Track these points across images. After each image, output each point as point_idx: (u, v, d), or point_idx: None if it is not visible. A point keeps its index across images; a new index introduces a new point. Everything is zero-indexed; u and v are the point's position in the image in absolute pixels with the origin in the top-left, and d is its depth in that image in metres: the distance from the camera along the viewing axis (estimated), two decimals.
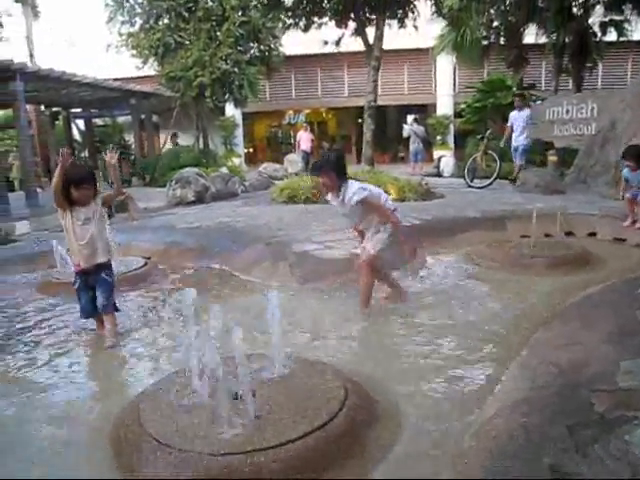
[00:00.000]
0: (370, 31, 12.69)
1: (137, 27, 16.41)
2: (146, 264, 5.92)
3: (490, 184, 11.47)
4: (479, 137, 12.12)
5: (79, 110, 19.98)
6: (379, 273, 4.47)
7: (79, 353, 3.96)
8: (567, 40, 14.94)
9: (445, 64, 21.98)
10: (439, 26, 16.50)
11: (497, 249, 5.95)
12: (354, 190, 4.18)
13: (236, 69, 15.88)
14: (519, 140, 11.70)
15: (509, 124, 11.97)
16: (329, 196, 4.44)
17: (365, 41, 12.72)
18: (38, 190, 13.71)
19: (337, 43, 13.89)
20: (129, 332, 4.25)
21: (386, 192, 8.89)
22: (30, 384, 3.45)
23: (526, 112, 11.78)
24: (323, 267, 5.39)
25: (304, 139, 18.70)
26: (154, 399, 2.94)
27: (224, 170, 12.99)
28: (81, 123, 21.61)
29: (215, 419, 2.61)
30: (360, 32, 12.72)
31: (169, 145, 18.60)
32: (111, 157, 4.14)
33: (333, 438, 2.53)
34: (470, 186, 11.82)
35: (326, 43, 14.17)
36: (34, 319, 4.61)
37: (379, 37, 12.35)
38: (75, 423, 2.99)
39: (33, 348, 4.00)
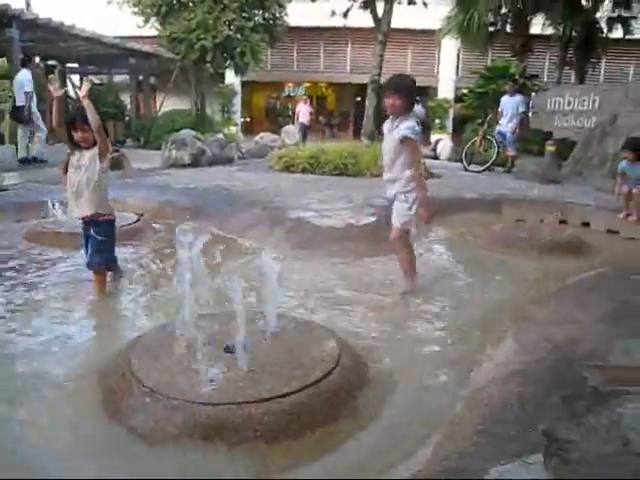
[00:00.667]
0: (379, 5, 12.52)
1: None
2: (139, 220, 5.85)
3: (487, 169, 11.47)
4: (479, 122, 12.09)
5: (75, 65, 19.63)
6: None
7: (67, 301, 3.92)
8: (573, 33, 14.88)
9: (449, 48, 21.82)
10: (446, 8, 16.34)
11: (492, 231, 5.96)
12: (409, 125, 3.91)
13: (239, 35, 15.65)
14: (507, 127, 11.69)
15: (499, 109, 11.96)
16: (385, 124, 4.18)
17: (374, 14, 12.55)
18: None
19: (345, 15, 13.69)
20: (123, 284, 4.21)
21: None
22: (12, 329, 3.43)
23: (517, 98, 11.75)
24: (318, 234, 5.38)
25: (303, 111, 18.57)
26: (145, 347, 2.92)
27: (220, 137, 12.88)
28: (76, 79, 21.26)
29: (207, 370, 2.59)
30: (370, 4, 12.54)
31: (166, 107, 18.38)
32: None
33: (326, 395, 2.54)
34: (467, 170, 11.80)
35: (333, 14, 13.96)
36: (19, 265, 4.56)
37: (388, 11, 12.19)
38: (63, 367, 2.98)
39: (18, 292, 3.96)
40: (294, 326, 3.14)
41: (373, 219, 5.89)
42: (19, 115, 11.01)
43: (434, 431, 2.34)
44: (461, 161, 12.32)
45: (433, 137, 20.28)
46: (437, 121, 22.40)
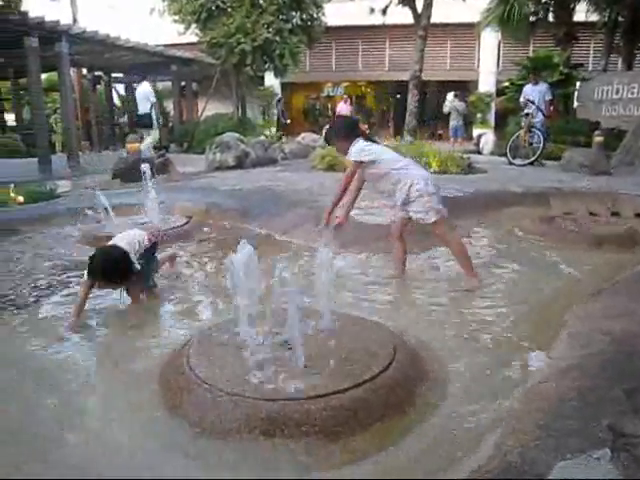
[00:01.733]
0: (418, 0, 12.47)
1: None
2: (188, 222, 5.97)
3: (533, 162, 11.25)
4: (524, 114, 11.87)
5: (120, 75, 20.11)
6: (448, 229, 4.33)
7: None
8: (620, 18, 14.46)
9: (489, 40, 21.48)
10: (485, 0, 16.11)
11: (541, 224, 5.85)
12: (354, 149, 4.10)
13: (278, 38, 15.75)
14: (535, 118, 11.44)
15: (522, 99, 11.70)
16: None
17: (413, 9, 12.48)
18: (79, 153, 13.93)
19: (384, 11, 13.65)
20: (179, 284, 4.31)
21: (427, 164, 8.93)
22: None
23: (542, 87, 11.48)
24: (366, 232, 5.38)
25: (343, 111, 18.55)
26: (203, 344, 2.98)
27: (263, 138, 13.01)
28: (121, 88, 21.80)
29: (264, 366, 2.64)
30: (409, 0, 12.49)
31: (207, 112, 18.66)
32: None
33: (383, 391, 2.54)
34: (511, 163, 11.60)
35: (372, 11, 13.95)
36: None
37: (428, 4, 12.10)
38: (124, 365, 3.06)
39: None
40: (349, 322, 3.16)
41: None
42: (144, 121, 12.89)
43: (493, 426, 2.32)
44: (505, 155, 12.12)
45: (475, 131, 20.01)
46: (479, 115, 22.09)
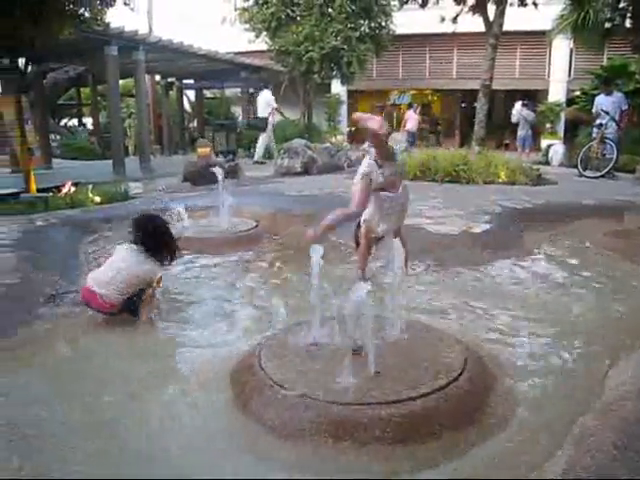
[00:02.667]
0: (490, 8, 12.26)
1: (251, 1, 16.70)
2: (256, 226, 6.09)
3: (605, 174, 10.88)
4: (596, 124, 11.51)
5: (191, 81, 20.70)
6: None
7: (196, 300, 4.17)
8: None
9: (561, 48, 20.92)
10: (557, 7, 15.70)
11: (615, 238, 5.67)
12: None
13: (346, 46, 15.86)
14: (608, 129, 11.03)
15: (594, 109, 11.30)
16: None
17: (485, 17, 12.30)
18: (151, 156, 14.44)
19: (454, 19, 13.49)
20: (248, 287, 4.41)
21: (496, 174, 8.80)
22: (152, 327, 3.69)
23: (617, 96, 11.05)
24: (434, 241, 5.35)
25: (412, 119, 18.43)
26: (275, 347, 3.05)
27: (329, 145, 13.12)
28: (191, 94, 22.42)
29: (335, 370, 2.67)
30: (481, 8, 12.30)
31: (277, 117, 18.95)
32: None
33: (452, 401, 2.55)
34: (582, 175, 11.25)
35: (443, 20, 13.80)
36: None
37: (500, 12, 11.90)
38: (198, 365, 3.17)
39: None
40: (420, 331, 3.18)
41: (489, 226, 5.80)
42: (260, 124, 14.07)
43: (564, 443, 2.28)
44: (576, 166, 11.77)
45: (544, 142, 19.51)
46: (548, 125, 21.51)
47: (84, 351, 3.38)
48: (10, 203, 7.43)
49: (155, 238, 3.87)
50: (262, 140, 14.09)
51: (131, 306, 3.74)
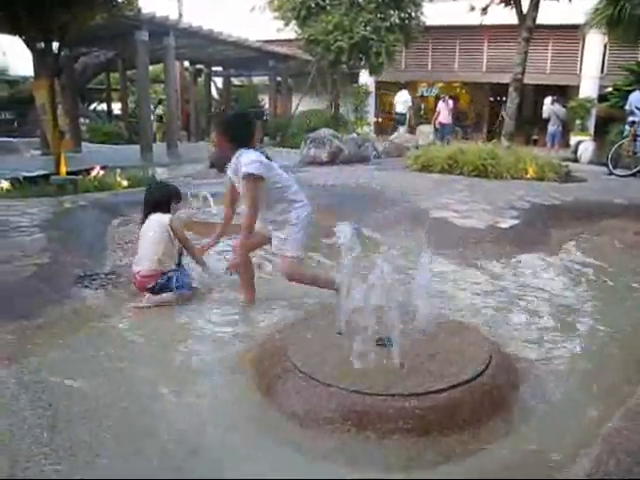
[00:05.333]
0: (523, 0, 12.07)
1: None
2: None
3: (636, 173, 10.68)
4: (629, 122, 11.29)
5: (220, 68, 20.75)
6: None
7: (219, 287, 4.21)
8: None
9: (594, 43, 20.53)
10: (591, 1, 15.38)
11: None
12: (248, 160, 3.48)
13: (375, 36, 15.75)
14: None
15: (627, 107, 11.07)
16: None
17: (518, 10, 12.11)
18: (177, 142, 14.54)
19: (484, 10, 13.29)
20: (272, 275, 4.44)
21: (524, 169, 8.70)
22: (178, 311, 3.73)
23: None
24: (461, 235, 5.34)
25: (443, 112, 18.24)
26: (299, 335, 3.07)
27: (356, 136, 13.08)
28: (219, 81, 22.49)
29: (360, 360, 2.68)
30: (514, 0, 12.11)
31: (301, 107, 18.94)
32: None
33: (477, 395, 2.54)
34: (612, 173, 11.07)
35: (472, 9, 13.61)
36: None
37: (535, 5, 11.70)
38: (221, 348, 3.21)
39: None
40: (444, 325, 3.16)
41: (517, 222, 5.75)
42: (400, 119, 16.59)
43: (589, 443, 2.26)
44: (605, 164, 11.58)
45: (573, 139, 19.23)
46: (578, 122, 21.16)
47: (110, 331, 3.43)
48: (41, 185, 7.54)
49: (155, 200, 4.10)
50: (403, 130, 16.22)
51: (168, 283, 3.88)
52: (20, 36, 8.22)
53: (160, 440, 2.33)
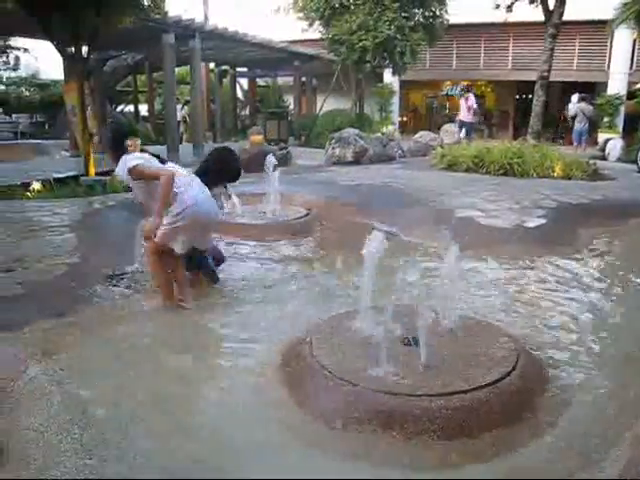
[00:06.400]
0: None
1: None
2: (307, 214, 6.13)
3: None
4: None
5: (245, 69, 20.87)
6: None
7: (249, 285, 4.24)
8: None
9: (623, 39, 20.16)
10: None
11: None
12: (125, 160, 3.72)
13: (399, 35, 15.69)
14: None
15: None
16: None
17: (545, 6, 11.97)
18: (204, 143, 14.65)
19: (509, 8, 13.17)
20: (303, 272, 4.48)
21: (551, 168, 8.60)
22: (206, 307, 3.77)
23: None
24: (487, 234, 5.30)
25: (464, 109, 18.10)
26: (325, 335, 3.08)
27: (381, 135, 13.05)
28: (244, 82, 22.62)
29: (386, 360, 2.68)
30: None
31: (325, 107, 18.95)
32: None
33: (504, 397, 2.52)
34: None
35: (497, 6, 13.48)
36: None
37: (561, 1, 11.55)
38: (248, 347, 3.23)
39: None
40: (471, 325, 3.15)
41: (543, 221, 5.69)
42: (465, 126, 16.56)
43: (617, 445, 2.25)
44: (635, 162, 11.39)
45: (601, 136, 18.93)
46: (606, 119, 20.81)
47: (138, 329, 3.48)
48: (71, 185, 7.68)
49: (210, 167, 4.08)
50: (463, 132, 16.40)
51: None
52: (52, 41, 8.38)
53: (186, 437, 2.37)
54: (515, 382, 2.61)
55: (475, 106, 17.10)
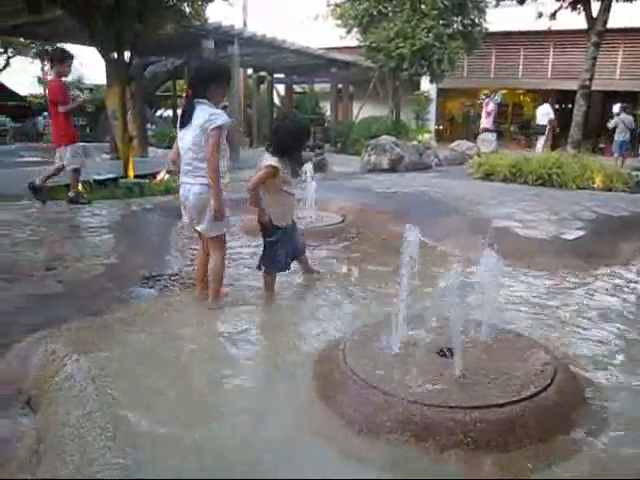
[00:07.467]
0: (593, 3, 11.71)
1: None
2: (343, 221, 6.13)
3: None
4: None
5: (282, 75, 21.04)
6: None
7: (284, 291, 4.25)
8: None
9: None
10: None
11: None
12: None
13: (437, 42, 15.63)
14: None
15: None
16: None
17: (588, 14, 11.77)
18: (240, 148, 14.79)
19: (552, 16, 12.99)
20: (337, 279, 4.47)
21: (591, 179, 8.45)
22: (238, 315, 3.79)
23: None
24: (525, 246, 5.21)
25: (486, 114, 17.83)
26: (359, 342, 3.05)
27: (418, 143, 13.03)
28: (281, 88, 22.80)
29: (420, 370, 2.65)
30: (584, 3, 11.76)
31: (361, 115, 18.97)
32: None
33: (540, 411, 2.47)
34: None
35: (540, 15, 13.31)
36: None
37: (605, 8, 11.35)
38: (282, 354, 3.23)
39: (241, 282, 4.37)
40: (507, 337, 3.10)
41: (582, 233, 5.58)
42: (539, 129, 17.02)
43: None
44: None
45: None
46: None
47: (173, 330, 3.51)
48: (110, 188, 7.83)
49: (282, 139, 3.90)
50: (543, 141, 16.75)
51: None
52: (97, 47, 8.59)
53: (218, 441, 2.37)
54: (552, 397, 2.55)
55: (494, 112, 16.93)
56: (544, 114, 16.87)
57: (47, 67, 24.91)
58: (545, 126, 16.69)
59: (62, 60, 6.54)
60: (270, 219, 3.89)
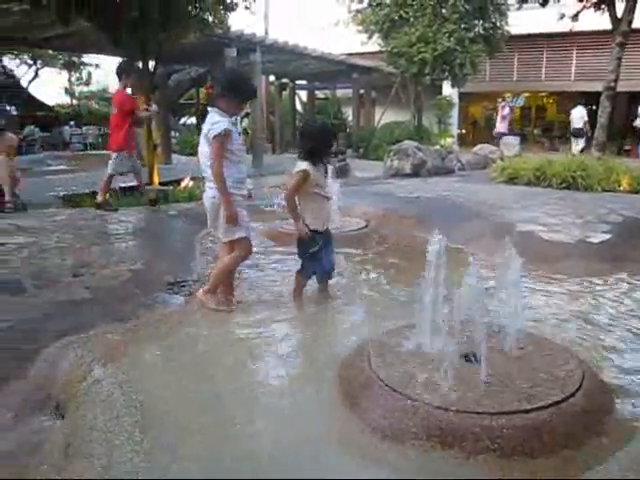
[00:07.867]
0: (618, 4, 11.55)
1: (365, 3, 16.81)
2: (366, 226, 6.13)
3: None
4: None
5: (304, 82, 21.14)
6: None
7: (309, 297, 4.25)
8: None
9: None
10: None
11: None
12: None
13: (459, 47, 15.57)
14: None
15: None
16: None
17: (612, 14, 11.62)
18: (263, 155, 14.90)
19: (574, 17, 12.84)
20: (358, 285, 4.45)
21: (617, 181, 8.33)
22: (264, 319, 3.80)
23: None
24: (550, 250, 5.16)
25: (501, 119, 17.69)
26: (384, 347, 3.05)
27: (440, 148, 12.99)
28: (303, 95, 22.89)
29: (445, 375, 2.64)
30: (608, 4, 11.61)
31: (385, 119, 18.93)
32: None
33: (567, 418, 2.44)
34: None
35: (562, 17, 13.17)
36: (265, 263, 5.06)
37: (631, 8, 11.20)
38: (306, 356, 3.27)
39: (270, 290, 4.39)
40: (534, 342, 3.07)
41: (608, 236, 5.50)
42: (577, 132, 17.09)
43: None
44: None
45: None
46: None
47: (198, 336, 3.53)
48: (135, 195, 7.92)
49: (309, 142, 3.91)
50: (580, 144, 16.85)
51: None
52: (122, 56, 8.73)
53: (241, 446, 2.38)
54: (579, 403, 2.52)
55: (509, 116, 16.74)
56: (579, 117, 16.86)
57: (74, 78, 25.49)
58: (582, 129, 16.73)
59: (129, 73, 6.78)
60: (308, 229, 3.87)
